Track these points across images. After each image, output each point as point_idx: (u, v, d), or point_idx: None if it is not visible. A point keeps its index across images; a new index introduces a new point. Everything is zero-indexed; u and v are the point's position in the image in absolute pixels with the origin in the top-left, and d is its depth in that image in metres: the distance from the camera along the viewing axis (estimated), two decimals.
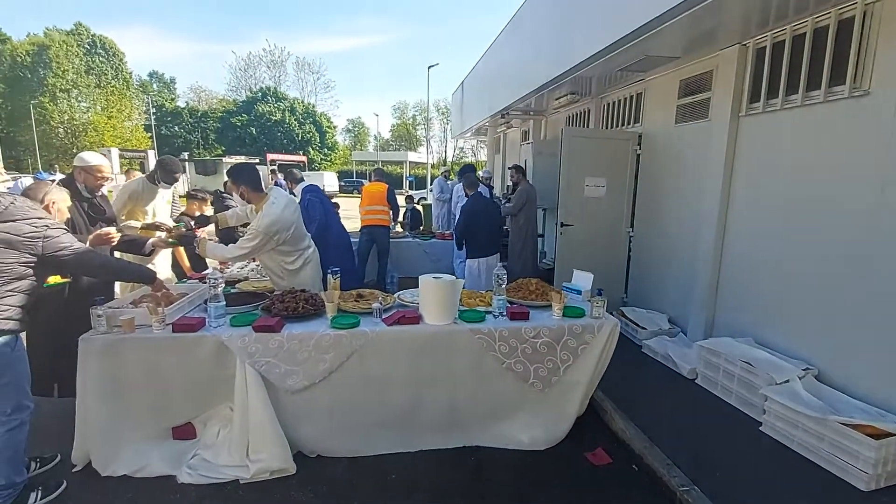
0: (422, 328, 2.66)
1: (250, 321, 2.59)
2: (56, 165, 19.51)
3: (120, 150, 26.77)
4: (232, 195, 5.87)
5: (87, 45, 43.36)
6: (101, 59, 43.89)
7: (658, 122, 4.80)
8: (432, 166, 35.95)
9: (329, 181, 29.23)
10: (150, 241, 3.04)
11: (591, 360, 2.77)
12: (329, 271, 3.04)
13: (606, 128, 6.00)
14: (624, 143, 5.04)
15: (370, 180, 6.63)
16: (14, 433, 2.15)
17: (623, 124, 5.63)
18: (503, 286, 2.78)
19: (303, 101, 50.41)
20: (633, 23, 3.52)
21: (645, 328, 4.35)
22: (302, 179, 5.46)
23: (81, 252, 2.29)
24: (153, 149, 32.75)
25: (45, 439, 2.64)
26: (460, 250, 4.98)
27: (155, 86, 52.54)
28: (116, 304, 2.70)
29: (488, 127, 11.70)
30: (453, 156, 60.04)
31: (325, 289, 3.23)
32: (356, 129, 62.44)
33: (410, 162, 42.98)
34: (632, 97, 5.37)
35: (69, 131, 39.75)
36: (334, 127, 53.36)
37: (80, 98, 42.53)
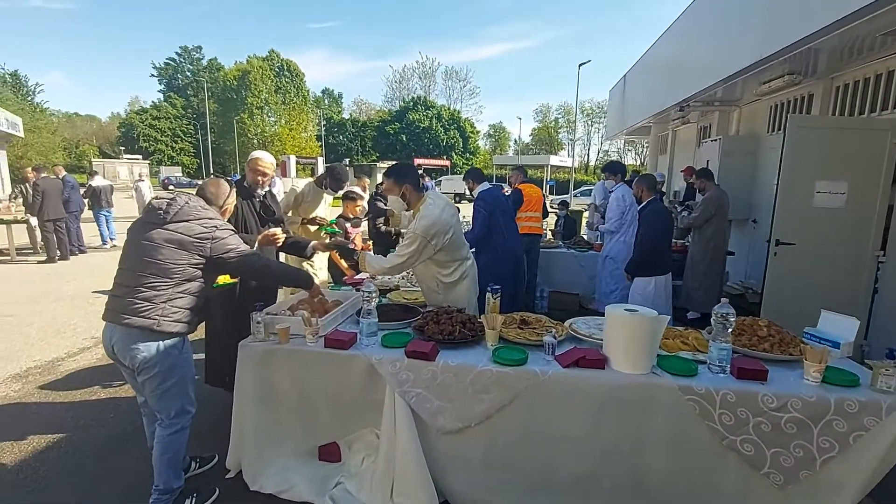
0: (607, 376, 2.04)
1: (403, 342, 2.27)
2: None
3: (297, 157, 30.83)
4: (385, 197, 5.91)
5: (276, 69, 51.30)
6: (286, 79, 51.56)
7: None
8: (575, 170, 34.24)
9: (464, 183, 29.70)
10: (311, 244, 2.97)
11: (872, 457, 1.84)
12: (489, 289, 2.60)
13: (838, 116, 4.57)
14: (878, 136, 3.69)
15: (510, 183, 5.71)
16: (175, 437, 2.13)
17: (868, 111, 4.20)
18: (729, 329, 2.02)
19: (449, 108, 52.50)
20: None
21: None
22: (483, 180, 4.51)
23: (245, 255, 2.20)
24: (322, 156, 37.16)
25: (208, 435, 2.69)
26: (636, 270, 4.11)
27: (326, 101, 59.91)
28: (275, 308, 2.62)
29: (652, 125, 10.36)
30: (596, 159, 56.76)
31: (482, 310, 2.81)
32: (497, 133, 62.97)
33: (552, 166, 41.61)
34: (890, 73, 3.95)
35: (261, 142, 47.38)
36: (477, 132, 54.54)
37: (269, 114, 50.56)
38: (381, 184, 8.15)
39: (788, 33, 3.76)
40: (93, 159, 38.24)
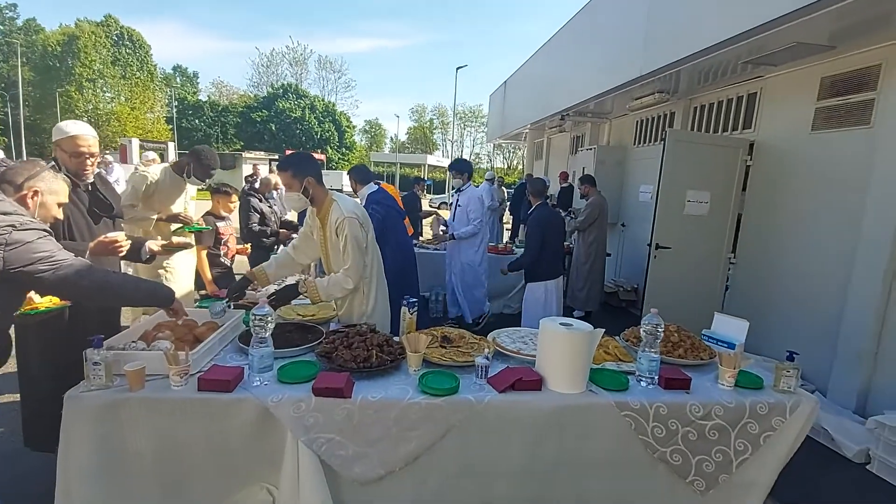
0: (545, 398, 1.87)
1: (308, 375, 1.84)
2: None
3: (141, 140, 26.50)
4: (263, 193, 5.19)
5: (115, 37, 43.61)
6: (127, 50, 44.09)
7: (782, 129, 3.98)
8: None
9: (348, 181, 28.79)
10: (146, 244, 2.27)
11: (778, 454, 1.97)
12: (404, 303, 2.29)
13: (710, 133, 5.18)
14: (732, 152, 4.22)
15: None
16: None
17: (721, 131, 4.81)
18: (658, 339, 1.99)
19: (323, 100, 50.07)
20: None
21: None
22: (369, 181, 4.05)
23: (69, 266, 1.56)
24: (174, 140, 32.64)
25: None
26: (528, 277, 4.11)
27: (178, 79, 52.76)
28: (121, 339, 1.95)
29: (528, 131, 10.94)
30: (469, 160, 59.45)
31: (394, 327, 2.48)
32: (373, 129, 62.11)
33: (429, 165, 42.31)
34: (739, 98, 4.56)
35: (93, 120, 39.77)
36: (353, 127, 53.02)
37: (105, 88, 42.83)
38: (251, 176, 7.23)
39: (661, 56, 4.10)
40: None
